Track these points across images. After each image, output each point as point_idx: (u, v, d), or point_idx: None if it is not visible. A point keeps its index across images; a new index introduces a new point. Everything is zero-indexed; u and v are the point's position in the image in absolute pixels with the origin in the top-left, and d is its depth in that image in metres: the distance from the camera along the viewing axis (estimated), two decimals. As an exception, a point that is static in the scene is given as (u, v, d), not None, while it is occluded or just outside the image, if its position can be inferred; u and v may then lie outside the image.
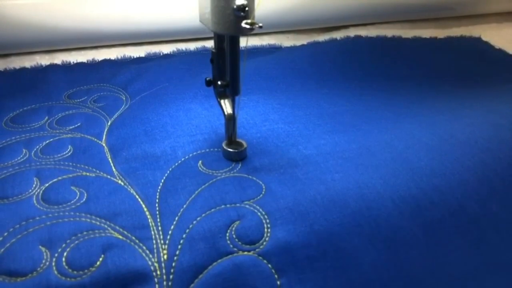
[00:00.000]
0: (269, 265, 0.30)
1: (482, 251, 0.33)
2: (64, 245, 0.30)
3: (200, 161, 0.39)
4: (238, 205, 0.34)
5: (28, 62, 0.59)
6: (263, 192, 0.35)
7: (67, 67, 0.58)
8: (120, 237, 0.31)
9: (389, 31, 0.72)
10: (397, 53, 0.65)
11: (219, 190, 0.36)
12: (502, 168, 0.38)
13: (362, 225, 0.33)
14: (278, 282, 0.30)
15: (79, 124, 0.45)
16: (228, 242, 0.31)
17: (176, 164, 0.39)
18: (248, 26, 0.31)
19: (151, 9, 0.64)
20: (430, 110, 0.49)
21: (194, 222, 0.32)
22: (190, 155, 0.40)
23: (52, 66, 0.58)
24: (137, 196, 0.35)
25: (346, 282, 0.30)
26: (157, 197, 0.35)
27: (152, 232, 0.32)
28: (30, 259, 0.29)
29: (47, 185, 0.36)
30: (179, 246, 0.31)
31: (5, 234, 0.31)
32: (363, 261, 0.31)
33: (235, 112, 0.38)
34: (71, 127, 0.45)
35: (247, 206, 0.34)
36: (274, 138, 0.43)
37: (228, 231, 0.32)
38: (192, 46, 0.65)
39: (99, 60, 0.60)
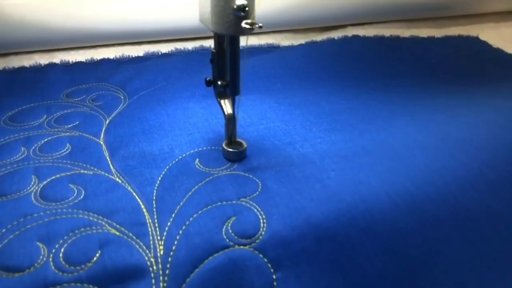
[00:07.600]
0: (265, 259, 0.31)
1: (477, 244, 0.33)
2: (61, 241, 0.31)
3: (197, 159, 0.39)
4: (234, 202, 0.34)
5: (27, 61, 0.60)
6: (259, 190, 0.36)
7: (66, 66, 0.59)
8: (117, 233, 0.31)
9: (386, 31, 0.72)
10: (395, 53, 0.66)
11: (216, 187, 0.36)
12: (496, 164, 0.39)
13: (357, 218, 0.33)
14: (274, 276, 0.30)
15: (77, 122, 0.46)
16: (224, 236, 0.31)
17: (174, 162, 0.39)
18: (248, 26, 0.31)
19: (149, 9, 0.64)
20: (426, 109, 0.49)
21: (191, 218, 0.33)
22: (188, 153, 0.40)
23: (51, 65, 0.59)
24: (134, 194, 0.35)
25: (341, 274, 0.31)
26: (154, 194, 0.35)
27: (149, 229, 0.32)
28: (27, 255, 0.29)
29: (45, 182, 0.36)
30: (176, 242, 0.31)
31: (3, 230, 0.31)
32: (358, 254, 0.31)
33: (235, 112, 0.38)
34: (69, 126, 0.45)
35: (243, 203, 0.34)
36: (271, 136, 0.43)
37: (224, 226, 0.32)
38: (190, 45, 0.66)
39: (98, 59, 0.61)
